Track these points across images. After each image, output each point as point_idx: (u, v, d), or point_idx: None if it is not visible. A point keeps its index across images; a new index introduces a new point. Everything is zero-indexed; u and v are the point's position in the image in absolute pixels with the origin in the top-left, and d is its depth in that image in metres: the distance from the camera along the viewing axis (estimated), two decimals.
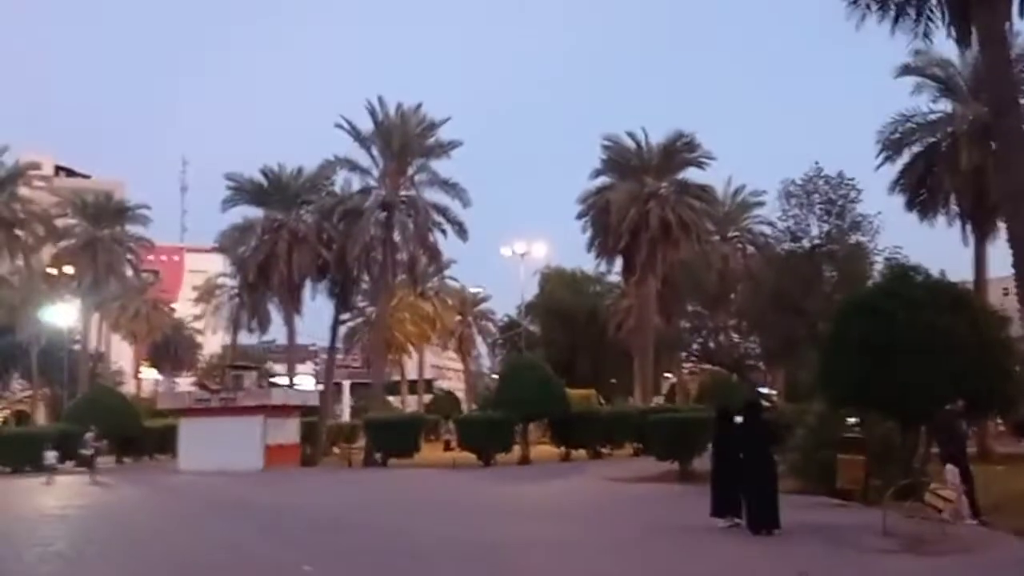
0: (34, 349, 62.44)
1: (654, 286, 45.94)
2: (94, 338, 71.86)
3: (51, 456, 31.99)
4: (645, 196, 45.09)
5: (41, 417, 60.67)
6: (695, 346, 34.26)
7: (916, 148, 33.76)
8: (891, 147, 33.59)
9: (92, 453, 30.81)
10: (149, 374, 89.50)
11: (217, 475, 32.28)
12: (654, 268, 44.89)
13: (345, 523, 17.34)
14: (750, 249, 51.86)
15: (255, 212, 44.67)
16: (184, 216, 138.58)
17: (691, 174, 47.57)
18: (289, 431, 38.95)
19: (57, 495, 24.92)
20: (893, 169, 33.82)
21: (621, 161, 47.22)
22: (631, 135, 47.54)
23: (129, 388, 74.69)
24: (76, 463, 31.47)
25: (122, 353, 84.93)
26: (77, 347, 56.84)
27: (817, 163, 29.02)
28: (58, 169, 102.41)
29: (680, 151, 46.28)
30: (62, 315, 54.89)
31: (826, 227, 29.01)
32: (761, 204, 54.28)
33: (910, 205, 33.71)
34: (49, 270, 55.47)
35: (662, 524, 15.87)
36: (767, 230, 47.05)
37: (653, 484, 24.60)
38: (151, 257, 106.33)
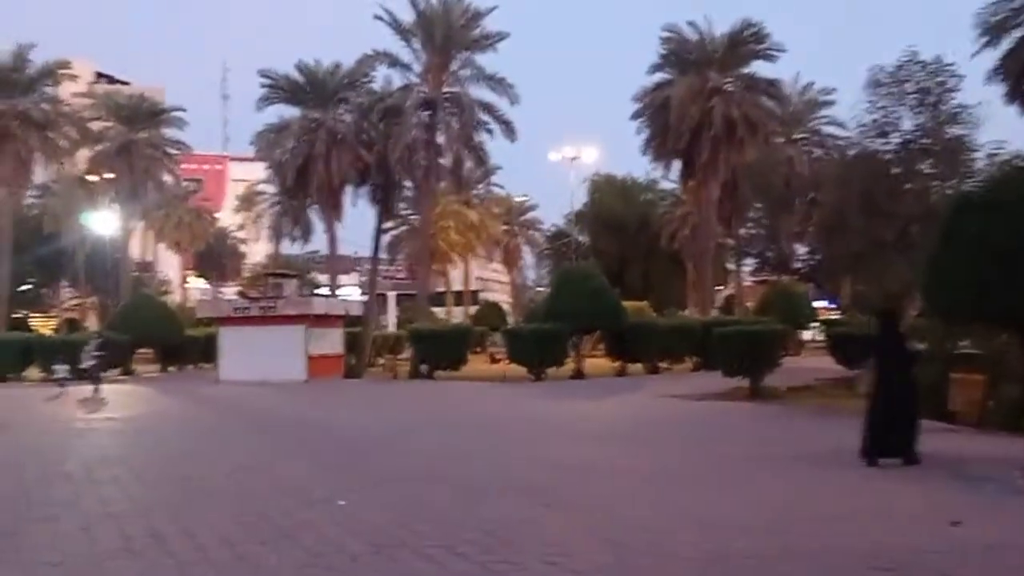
0: (80, 256, 62.11)
1: (715, 190, 43.06)
2: (139, 247, 71.45)
3: (61, 369, 29.34)
4: (708, 92, 41.90)
5: (93, 324, 60.42)
6: (766, 254, 31.69)
7: (1020, 32, 30.35)
8: (991, 30, 30.21)
9: (93, 364, 27.68)
10: (196, 284, 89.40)
11: (258, 386, 30.96)
12: (716, 171, 42.01)
13: (387, 444, 15.54)
14: (816, 152, 48.62)
15: (292, 112, 42.30)
16: (227, 126, 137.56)
17: (758, 68, 44.13)
18: (332, 341, 37.47)
19: (88, 408, 23.50)
20: (993, 55, 30.57)
21: (682, 54, 43.90)
22: (693, 25, 44.16)
23: (176, 297, 74.48)
24: (77, 376, 28.56)
25: (169, 263, 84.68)
26: (120, 255, 55.82)
27: (911, 47, 26.01)
28: (99, 76, 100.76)
29: (747, 42, 42.81)
30: (104, 223, 53.87)
31: (920, 119, 26.10)
32: (831, 103, 50.95)
33: (1012, 95, 30.34)
34: (89, 177, 54.28)
35: (745, 449, 13.79)
36: (837, 131, 44.34)
37: (720, 402, 22.55)
38: (193, 166, 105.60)
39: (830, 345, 34.21)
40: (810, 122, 51.74)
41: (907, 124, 26.22)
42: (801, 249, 34.86)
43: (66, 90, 55.80)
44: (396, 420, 20.12)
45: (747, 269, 51.43)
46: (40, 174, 52.07)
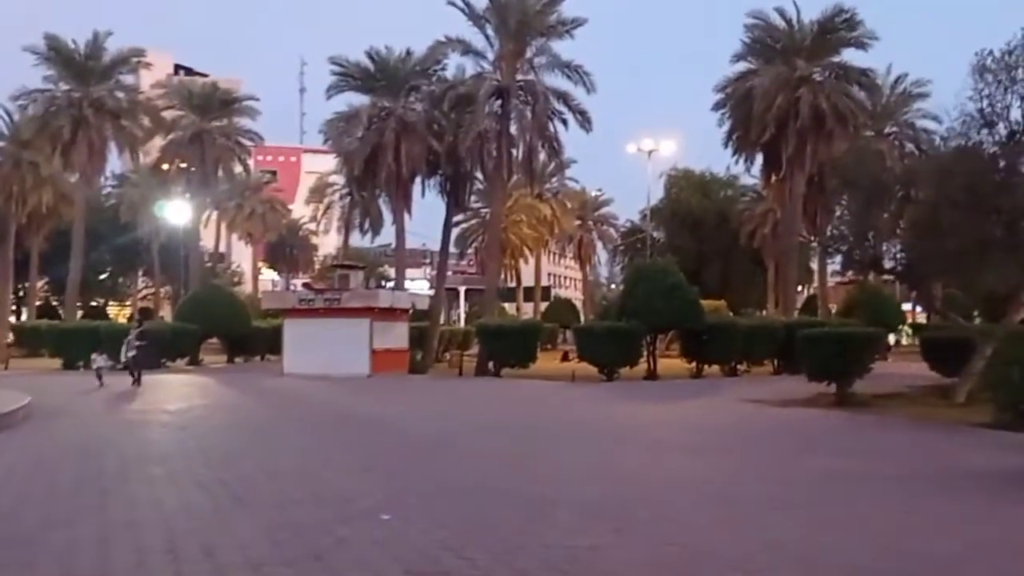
0: (154, 246, 63.00)
1: (801, 185, 40.86)
2: (212, 237, 72.18)
3: (100, 359, 27.79)
4: (795, 81, 39.74)
5: (167, 314, 61.18)
6: (855, 252, 29.51)
7: None
8: None
9: (134, 355, 26.25)
10: (268, 275, 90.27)
11: (320, 379, 30.24)
12: (802, 165, 39.81)
13: (445, 447, 14.36)
14: (909, 147, 46.00)
15: (363, 101, 41.53)
16: (303, 118, 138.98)
17: (849, 57, 41.73)
18: (397, 335, 36.62)
19: (143, 400, 22.94)
20: None
21: (768, 42, 41.79)
22: (780, 12, 41.89)
23: (247, 288, 75.10)
24: (116, 365, 27.29)
25: (242, 254, 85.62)
26: (192, 245, 56.18)
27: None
28: (177, 68, 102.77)
29: (837, 29, 40.47)
30: (178, 213, 54.26)
31: None
32: (925, 95, 48.22)
33: None
34: (164, 167, 54.76)
35: (844, 465, 12.18)
36: (931, 125, 41.68)
37: (805, 409, 20.81)
38: (268, 158, 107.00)
39: (924, 350, 31.94)
40: (903, 115, 49.04)
41: (1016, 114, 23.90)
42: (892, 248, 32.59)
43: (145, 83, 56.61)
44: (458, 421, 18.98)
45: (832, 268, 49.06)
46: (117, 164, 52.69)
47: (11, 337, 49.08)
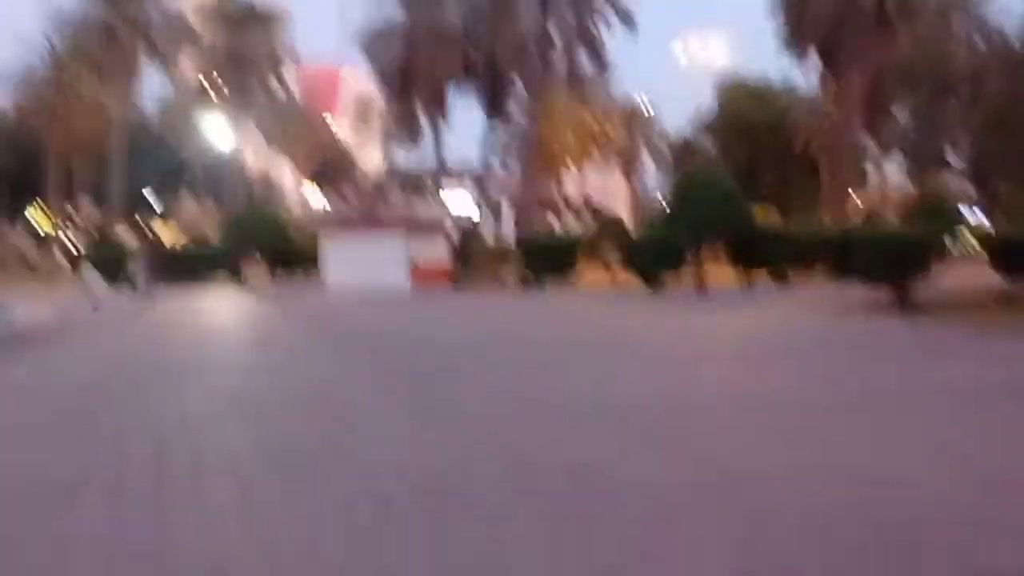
0: (198, 167, 62.70)
1: (858, 84, 38.53)
2: (254, 157, 71.60)
3: (93, 276, 26.12)
4: None
5: (213, 235, 61.20)
6: (922, 150, 27.82)
7: None
8: None
9: (143, 277, 26.08)
10: (311, 193, 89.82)
11: (356, 295, 29.73)
12: (863, 63, 37.39)
13: (472, 363, 13.55)
14: (979, 45, 43.05)
15: (396, 10, 39.91)
16: (343, 34, 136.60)
17: None
18: (438, 250, 35.84)
19: (160, 319, 22.63)
20: None
21: None
22: None
23: (293, 207, 74.73)
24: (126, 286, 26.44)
25: (286, 173, 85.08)
26: (232, 165, 55.80)
27: None
28: None
29: None
30: (219, 133, 53.68)
31: None
32: None
33: None
34: (203, 87, 54.00)
35: (905, 379, 11.11)
36: (1003, 19, 38.84)
37: (863, 316, 19.58)
38: (310, 74, 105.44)
39: (989, 254, 30.21)
40: (973, 10, 45.83)
41: None
42: (957, 147, 30.72)
43: (191, 7, 55.38)
44: (491, 335, 18.18)
45: (893, 174, 46.86)
46: (160, 85, 52.08)
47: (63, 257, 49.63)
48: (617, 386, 10.32)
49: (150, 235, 39.14)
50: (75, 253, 50.15)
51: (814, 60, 41.64)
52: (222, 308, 25.96)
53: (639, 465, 6.53)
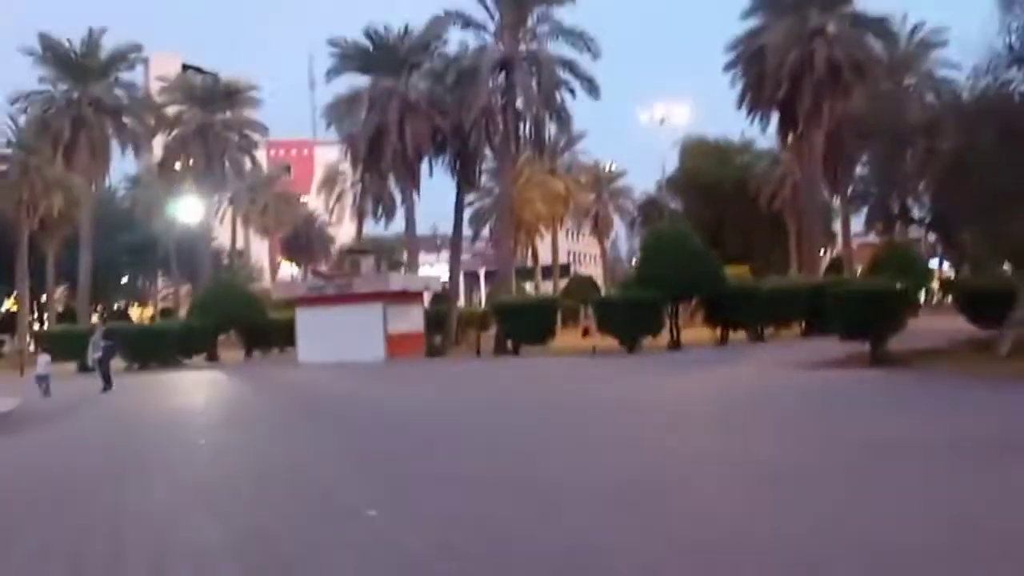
0: (170, 245, 62.40)
1: (819, 141, 39.39)
2: (228, 233, 71.53)
3: (43, 362, 25.24)
4: (808, 33, 38.23)
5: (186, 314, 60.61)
6: (883, 203, 28.22)
7: None
8: None
9: (100, 356, 24.83)
10: (286, 268, 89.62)
11: (335, 367, 29.45)
12: (819, 120, 38.32)
13: (450, 433, 13.38)
14: (930, 98, 44.23)
15: (364, 82, 40.39)
16: (315, 112, 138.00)
17: (863, 6, 40.08)
18: (412, 319, 35.77)
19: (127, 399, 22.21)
20: None
21: None
22: None
23: (267, 282, 74.41)
24: (81, 367, 25.47)
25: (261, 249, 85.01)
26: (214, 243, 55.58)
27: None
28: (185, 68, 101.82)
29: None
30: (190, 210, 53.52)
31: None
32: (944, 44, 46.53)
33: None
34: (174, 164, 54.03)
35: (894, 432, 11.05)
36: (952, 74, 40.02)
37: (840, 370, 19.65)
38: (282, 152, 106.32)
39: (960, 302, 30.61)
40: (922, 66, 47.31)
41: None
42: (918, 200, 31.25)
43: (154, 86, 55.72)
44: (467, 403, 18.01)
45: (856, 228, 47.62)
46: (130, 166, 52.01)
47: (31, 344, 48.79)
48: (593, 466, 9.97)
49: (107, 316, 38.53)
50: (35, 339, 49.43)
51: (774, 121, 42.55)
52: (185, 388, 25.53)
53: (625, 550, 6.38)
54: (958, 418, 12.27)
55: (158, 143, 52.62)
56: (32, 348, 47.72)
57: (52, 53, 45.03)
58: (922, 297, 48.52)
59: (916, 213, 29.99)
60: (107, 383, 24.18)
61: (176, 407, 19.53)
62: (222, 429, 15.52)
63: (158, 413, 18.36)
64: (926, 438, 10.45)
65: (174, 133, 49.79)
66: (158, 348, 37.52)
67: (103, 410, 19.76)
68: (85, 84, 44.58)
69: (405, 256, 69.66)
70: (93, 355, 25.25)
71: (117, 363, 38.00)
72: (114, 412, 19.09)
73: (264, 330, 43.22)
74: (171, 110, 49.65)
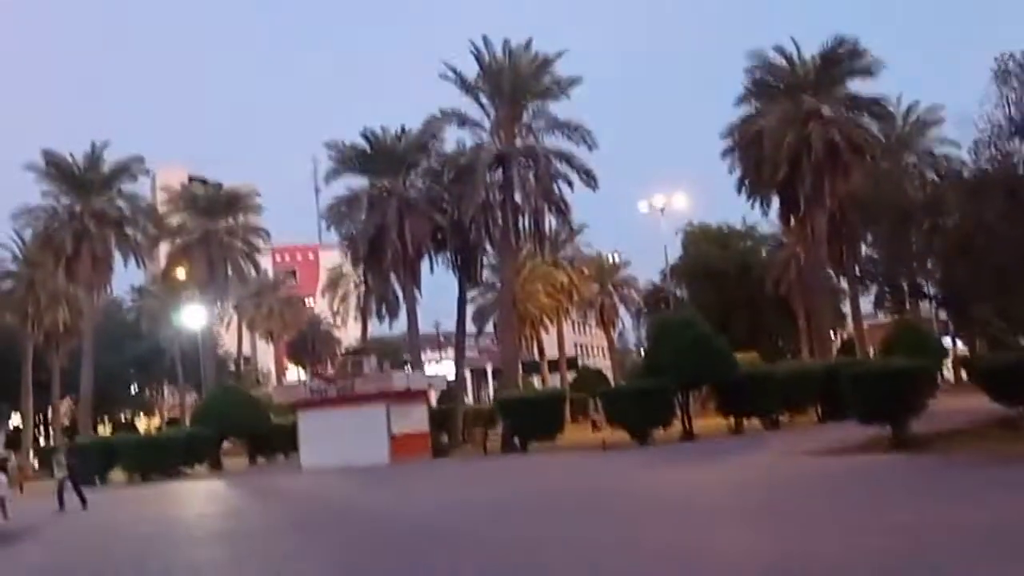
0: (176, 354, 61.97)
1: (822, 222, 39.16)
2: (234, 339, 71.20)
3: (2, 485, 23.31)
4: (804, 117, 38.45)
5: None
6: (892, 281, 27.68)
7: None
8: None
9: (65, 475, 23.70)
10: (293, 372, 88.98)
11: (336, 472, 28.45)
12: (822, 201, 38.18)
13: (448, 542, 12.42)
14: (930, 176, 44.28)
15: (363, 183, 40.61)
16: (320, 219, 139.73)
17: (857, 88, 40.47)
18: (416, 418, 34.84)
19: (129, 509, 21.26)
20: None
21: (770, 81, 40.72)
22: (779, 50, 40.83)
23: (272, 388, 73.62)
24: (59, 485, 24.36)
25: (267, 354, 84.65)
26: (220, 349, 55.19)
27: None
28: (191, 179, 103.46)
29: (841, 59, 39.26)
30: (194, 318, 53.25)
31: None
32: (940, 122, 46.83)
33: None
34: (178, 273, 54.10)
35: (923, 518, 10.20)
36: (951, 151, 40.13)
37: (862, 456, 18.73)
38: (287, 257, 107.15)
39: (982, 380, 29.66)
40: (920, 144, 47.57)
41: None
42: (928, 277, 30.76)
43: (160, 198, 56.40)
44: (468, 507, 17.02)
45: (866, 308, 46.93)
46: (136, 277, 52.15)
47: (35, 460, 48.03)
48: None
49: (114, 427, 37.71)
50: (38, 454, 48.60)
51: (775, 205, 42.54)
52: (172, 501, 24.53)
53: None
54: (985, 502, 11.39)
55: (163, 252, 52.85)
56: (36, 465, 46.91)
57: (56, 168, 45.70)
58: (939, 376, 47.52)
59: (927, 290, 29.42)
60: (81, 501, 23.14)
61: (150, 525, 18.31)
62: (193, 546, 14.55)
63: (128, 534, 17.23)
64: (953, 524, 9.62)
65: (177, 242, 49.98)
66: (160, 459, 36.70)
67: (63, 532, 18.75)
68: (88, 197, 45.07)
69: (409, 353, 69.23)
70: (59, 474, 24.21)
71: (117, 476, 37.26)
72: (78, 534, 18.11)
73: (267, 436, 42.35)
74: (174, 219, 49.95)
